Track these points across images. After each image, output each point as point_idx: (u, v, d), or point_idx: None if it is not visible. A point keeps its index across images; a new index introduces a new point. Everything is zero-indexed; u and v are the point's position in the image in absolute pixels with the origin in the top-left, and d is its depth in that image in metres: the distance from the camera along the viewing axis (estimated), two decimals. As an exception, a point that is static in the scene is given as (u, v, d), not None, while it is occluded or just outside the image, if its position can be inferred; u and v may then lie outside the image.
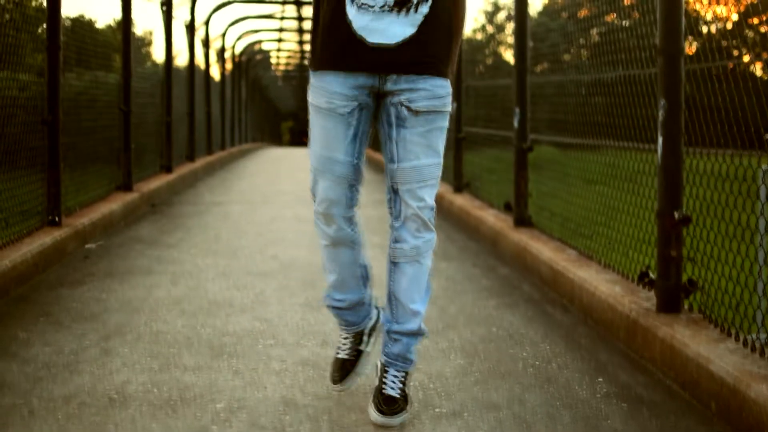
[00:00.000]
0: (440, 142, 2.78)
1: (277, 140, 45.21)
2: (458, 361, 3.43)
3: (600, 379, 3.24)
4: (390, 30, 2.63)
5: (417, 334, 2.88)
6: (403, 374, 2.86)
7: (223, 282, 4.87)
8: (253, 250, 5.92)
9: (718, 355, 2.99)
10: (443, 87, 2.74)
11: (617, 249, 4.43)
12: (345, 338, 3.06)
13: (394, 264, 2.87)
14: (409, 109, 2.72)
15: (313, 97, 2.78)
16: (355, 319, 3.02)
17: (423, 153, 2.74)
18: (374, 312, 3.09)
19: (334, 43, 2.69)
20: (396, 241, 2.84)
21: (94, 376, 3.19)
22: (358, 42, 2.65)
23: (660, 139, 3.59)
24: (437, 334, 3.78)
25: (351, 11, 2.64)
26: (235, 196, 9.77)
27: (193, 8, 13.19)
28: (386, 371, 2.86)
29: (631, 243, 4.27)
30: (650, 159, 4.03)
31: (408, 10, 2.62)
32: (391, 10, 2.62)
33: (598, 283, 4.14)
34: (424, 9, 2.64)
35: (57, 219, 5.78)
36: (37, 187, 5.71)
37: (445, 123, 2.80)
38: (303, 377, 3.21)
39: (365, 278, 3.00)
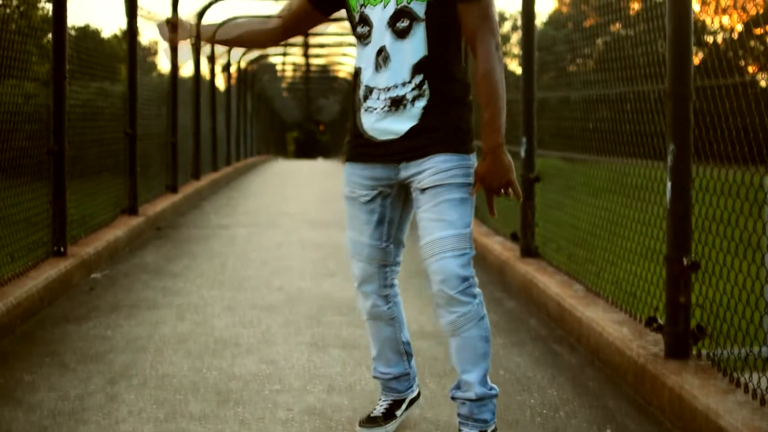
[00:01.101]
0: (453, 214, 2.77)
1: (282, 151, 45.29)
2: (465, 409, 3.40)
3: (608, 430, 3.22)
4: (393, 127, 2.80)
5: (478, 400, 2.86)
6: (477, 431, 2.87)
7: (228, 317, 4.85)
8: (259, 281, 5.91)
9: (727, 410, 2.96)
10: (449, 161, 2.79)
11: (625, 288, 4.41)
12: (384, 401, 3.17)
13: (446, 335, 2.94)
14: (417, 189, 2.84)
15: (344, 185, 3.00)
16: (399, 387, 3.16)
17: (436, 227, 2.77)
18: (416, 384, 3.22)
19: (352, 139, 2.94)
20: (438, 316, 2.89)
21: (99, 426, 3.17)
22: (369, 139, 2.86)
23: (668, 185, 3.56)
24: (444, 377, 3.76)
25: (361, 114, 2.86)
26: (241, 217, 9.76)
27: (198, 25, 13.17)
28: (461, 429, 2.89)
29: (640, 283, 4.25)
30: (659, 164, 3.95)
31: (405, 107, 2.78)
32: (389, 110, 2.79)
33: (606, 324, 4.12)
34: (421, 102, 2.78)
35: (62, 249, 5.78)
36: (43, 192, 5.72)
37: (457, 194, 2.78)
38: (309, 427, 3.19)
39: (408, 354, 3.16)
